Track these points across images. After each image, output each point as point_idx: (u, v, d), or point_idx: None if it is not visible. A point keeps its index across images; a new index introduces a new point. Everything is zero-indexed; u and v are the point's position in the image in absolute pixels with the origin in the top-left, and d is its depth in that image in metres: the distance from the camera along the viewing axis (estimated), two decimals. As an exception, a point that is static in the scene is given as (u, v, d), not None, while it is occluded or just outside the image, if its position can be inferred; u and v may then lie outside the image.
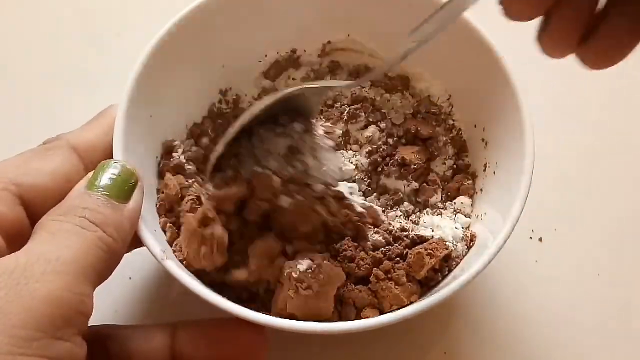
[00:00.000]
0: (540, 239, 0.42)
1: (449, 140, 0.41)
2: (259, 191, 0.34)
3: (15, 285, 0.24)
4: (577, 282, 0.41)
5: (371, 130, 0.41)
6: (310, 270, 0.32)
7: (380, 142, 0.41)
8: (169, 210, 0.36)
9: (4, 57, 0.49)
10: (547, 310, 0.40)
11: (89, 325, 0.27)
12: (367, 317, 0.32)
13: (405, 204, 0.39)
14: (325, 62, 0.44)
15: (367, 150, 0.40)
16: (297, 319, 0.31)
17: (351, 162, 0.40)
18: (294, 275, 0.32)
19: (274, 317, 0.31)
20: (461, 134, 0.41)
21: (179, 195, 0.35)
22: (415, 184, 0.39)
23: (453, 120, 0.41)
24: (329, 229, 0.35)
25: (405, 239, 0.36)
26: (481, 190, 0.38)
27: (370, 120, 0.41)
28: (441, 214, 0.38)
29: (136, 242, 0.31)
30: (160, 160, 0.38)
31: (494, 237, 0.32)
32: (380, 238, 0.35)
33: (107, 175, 0.30)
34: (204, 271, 0.33)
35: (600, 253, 0.42)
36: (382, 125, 0.41)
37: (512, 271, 0.41)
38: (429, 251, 0.34)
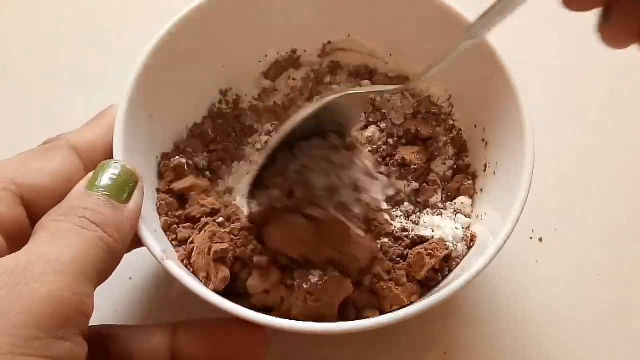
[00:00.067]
0: (540, 239, 0.42)
1: (449, 140, 0.41)
2: (332, 240, 0.33)
3: (15, 285, 0.24)
4: (577, 282, 0.41)
5: (371, 130, 0.41)
6: (320, 282, 0.32)
7: (380, 142, 0.41)
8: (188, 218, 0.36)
9: (4, 57, 0.49)
10: (547, 310, 0.40)
11: (89, 325, 0.27)
12: (367, 317, 0.32)
13: (405, 204, 0.39)
14: (325, 62, 0.44)
15: (367, 150, 0.40)
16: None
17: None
18: (305, 285, 0.32)
19: (274, 317, 0.31)
20: (461, 134, 0.41)
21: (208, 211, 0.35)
22: (415, 184, 0.39)
23: (453, 120, 0.41)
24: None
25: (405, 239, 0.36)
26: (481, 190, 0.38)
27: (370, 120, 0.41)
28: (441, 214, 0.38)
29: (136, 242, 0.31)
30: (160, 161, 0.38)
31: (494, 237, 0.32)
32: (381, 239, 0.35)
33: (107, 175, 0.30)
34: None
35: (600, 253, 0.42)
36: (382, 125, 0.41)
37: (512, 271, 0.41)
38: (429, 251, 0.34)
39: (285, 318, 0.32)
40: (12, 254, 0.26)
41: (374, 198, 0.33)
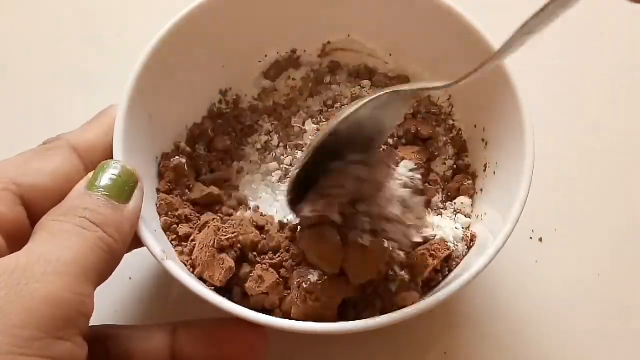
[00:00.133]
0: (540, 239, 0.42)
1: (449, 140, 0.41)
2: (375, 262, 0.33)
3: (15, 286, 0.24)
4: (577, 282, 0.41)
5: (371, 130, 0.41)
6: (320, 282, 0.32)
7: (380, 143, 0.41)
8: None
9: (4, 57, 0.49)
10: (547, 310, 0.40)
11: (89, 325, 0.27)
12: (367, 317, 0.32)
13: (406, 204, 0.39)
14: (325, 62, 0.44)
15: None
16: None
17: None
18: (304, 285, 0.32)
19: (274, 317, 0.31)
20: (461, 134, 0.41)
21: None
22: (415, 184, 0.39)
23: (453, 120, 0.41)
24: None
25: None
26: (481, 190, 0.38)
27: (370, 120, 0.41)
28: (441, 214, 0.38)
29: (136, 242, 0.31)
30: (160, 161, 0.38)
31: (494, 237, 0.32)
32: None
33: (107, 175, 0.30)
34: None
35: (600, 253, 0.42)
36: (382, 125, 0.41)
37: (512, 271, 0.41)
38: (431, 252, 0.34)
39: (285, 318, 0.32)
40: (13, 254, 0.26)
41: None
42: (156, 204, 0.36)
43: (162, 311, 0.39)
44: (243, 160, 0.41)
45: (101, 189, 0.29)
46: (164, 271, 0.31)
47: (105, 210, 0.28)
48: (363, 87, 0.43)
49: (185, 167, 0.37)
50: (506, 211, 0.32)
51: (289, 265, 0.33)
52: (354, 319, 0.31)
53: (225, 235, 0.33)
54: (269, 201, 0.39)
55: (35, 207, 0.30)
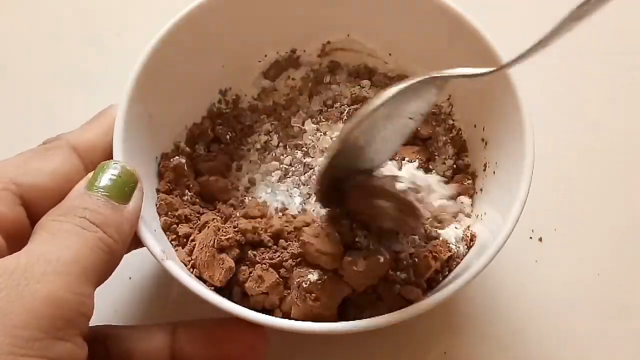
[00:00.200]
0: (540, 239, 0.42)
1: (449, 140, 0.41)
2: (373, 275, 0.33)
3: (16, 286, 0.24)
4: (577, 282, 0.41)
5: (371, 130, 0.41)
6: (320, 282, 0.32)
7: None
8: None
9: (4, 57, 0.49)
10: (547, 310, 0.40)
11: (89, 325, 0.27)
12: (367, 317, 0.32)
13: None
14: (325, 62, 0.44)
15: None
16: None
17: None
18: (304, 285, 0.32)
19: (274, 317, 0.31)
20: (461, 134, 0.41)
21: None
22: (415, 184, 0.39)
23: (453, 120, 0.41)
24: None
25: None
26: (481, 190, 0.38)
27: (370, 120, 0.41)
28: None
29: (136, 243, 0.31)
30: (160, 161, 0.38)
31: (494, 237, 0.32)
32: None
33: (107, 176, 0.30)
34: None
35: (600, 253, 0.42)
36: (382, 125, 0.41)
37: (512, 271, 0.41)
38: (433, 254, 0.34)
39: (285, 318, 0.32)
40: (13, 254, 0.26)
41: None
42: (156, 204, 0.36)
43: (162, 311, 0.39)
44: (243, 160, 0.41)
45: (101, 190, 0.29)
46: (164, 271, 0.31)
47: (106, 211, 0.28)
48: (363, 87, 0.43)
49: (185, 167, 0.37)
50: (506, 211, 0.32)
51: (289, 265, 0.33)
52: (353, 319, 0.31)
53: (225, 236, 0.33)
54: (269, 201, 0.39)
55: (35, 207, 0.30)
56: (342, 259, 0.32)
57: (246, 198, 0.39)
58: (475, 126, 0.40)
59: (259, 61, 0.43)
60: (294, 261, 0.33)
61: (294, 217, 0.36)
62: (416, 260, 0.34)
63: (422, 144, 0.41)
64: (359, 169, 0.34)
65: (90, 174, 0.30)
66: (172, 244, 0.35)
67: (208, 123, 0.41)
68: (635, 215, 0.43)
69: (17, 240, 0.29)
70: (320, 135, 0.40)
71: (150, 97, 0.36)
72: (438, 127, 0.41)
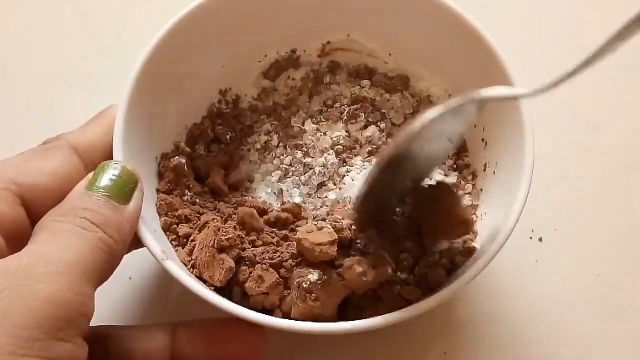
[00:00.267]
0: (540, 239, 0.42)
1: (448, 140, 0.41)
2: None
3: (17, 286, 0.24)
4: (577, 282, 0.41)
5: (371, 130, 0.41)
6: (320, 282, 0.32)
7: (380, 143, 0.41)
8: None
9: (4, 57, 0.49)
10: (547, 310, 0.40)
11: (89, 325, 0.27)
12: (367, 317, 0.32)
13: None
14: (325, 62, 0.44)
15: (367, 150, 0.40)
16: None
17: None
18: (304, 285, 0.32)
19: (274, 317, 0.31)
20: (461, 133, 0.41)
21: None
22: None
23: (453, 120, 0.41)
24: None
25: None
26: (481, 190, 0.38)
27: (370, 120, 0.41)
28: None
29: (136, 243, 0.31)
30: (160, 161, 0.38)
31: (494, 237, 0.32)
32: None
33: (108, 176, 0.30)
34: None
35: (600, 253, 0.42)
36: (382, 125, 0.41)
37: (512, 271, 0.41)
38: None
39: (285, 318, 0.32)
40: (14, 254, 0.26)
41: None
42: (156, 204, 0.36)
43: (162, 311, 0.39)
44: (243, 160, 0.41)
45: (101, 190, 0.29)
46: (164, 271, 0.31)
47: (106, 211, 0.28)
48: (363, 87, 0.43)
49: (185, 168, 0.37)
50: (506, 211, 0.32)
51: (289, 265, 0.33)
52: (353, 319, 0.31)
53: (225, 236, 0.33)
54: (269, 201, 0.39)
55: (35, 207, 0.30)
56: (337, 248, 0.32)
57: (246, 198, 0.39)
58: (475, 126, 0.40)
59: (259, 61, 0.43)
60: (294, 261, 0.33)
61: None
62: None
63: (422, 143, 0.41)
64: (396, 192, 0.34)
65: (91, 174, 0.30)
66: (172, 244, 0.35)
67: (208, 123, 0.41)
68: (635, 215, 0.43)
69: (17, 240, 0.29)
70: (320, 135, 0.41)
71: (150, 97, 0.36)
72: (438, 127, 0.41)
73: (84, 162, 0.32)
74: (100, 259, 0.27)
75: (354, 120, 0.41)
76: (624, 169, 0.45)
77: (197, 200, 0.37)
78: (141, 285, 0.40)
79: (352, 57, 0.44)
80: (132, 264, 0.39)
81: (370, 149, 0.40)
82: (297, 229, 0.35)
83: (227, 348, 0.31)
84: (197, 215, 0.36)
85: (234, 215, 0.36)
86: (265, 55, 0.43)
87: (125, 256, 0.30)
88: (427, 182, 0.35)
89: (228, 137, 0.41)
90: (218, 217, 0.36)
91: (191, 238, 0.35)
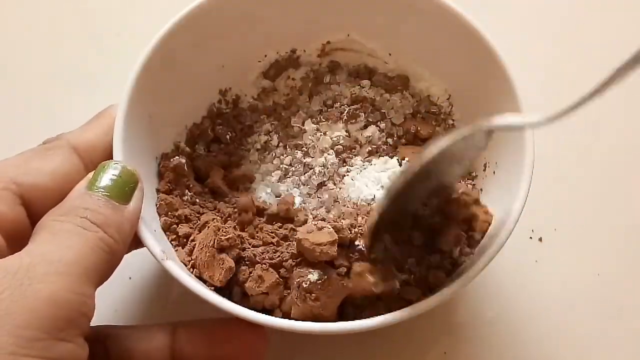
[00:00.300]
0: (540, 239, 0.42)
1: (449, 140, 0.41)
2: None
3: (19, 286, 0.24)
4: (577, 282, 0.41)
5: (371, 130, 0.41)
6: (320, 282, 0.32)
7: (380, 142, 0.41)
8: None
9: (4, 57, 0.49)
10: (547, 310, 0.40)
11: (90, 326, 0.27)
12: (368, 317, 0.32)
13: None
14: (325, 62, 0.44)
15: (367, 150, 0.40)
16: None
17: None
18: (304, 285, 0.32)
19: (274, 317, 0.31)
20: (461, 133, 0.41)
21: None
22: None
23: (453, 120, 0.41)
24: None
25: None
26: (481, 190, 0.38)
27: (370, 120, 0.41)
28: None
29: (136, 243, 0.31)
30: (160, 161, 0.38)
31: (494, 237, 0.32)
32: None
33: (108, 176, 0.30)
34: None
35: (600, 253, 0.42)
36: (382, 125, 0.41)
37: (512, 271, 0.41)
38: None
39: (285, 318, 0.32)
40: (15, 254, 0.26)
41: None
42: (156, 204, 0.36)
43: (162, 311, 0.39)
44: (243, 160, 0.41)
45: (102, 190, 0.29)
46: (164, 271, 0.31)
47: (106, 211, 0.28)
48: (363, 87, 0.43)
49: (185, 168, 0.37)
50: (506, 211, 0.32)
51: (289, 265, 0.33)
52: (353, 319, 0.31)
53: (225, 236, 0.33)
54: (269, 201, 0.39)
55: (35, 207, 0.30)
56: (338, 249, 0.33)
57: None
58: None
59: (259, 61, 0.43)
60: (294, 261, 0.33)
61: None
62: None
63: (423, 143, 0.41)
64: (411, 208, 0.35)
65: (91, 174, 0.30)
66: (172, 244, 0.35)
67: (208, 123, 0.41)
68: (635, 215, 0.43)
69: (17, 240, 0.29)
70: (320, 135, 0.40)
71: (150, 97, 0.36)
72: (438, 127, 0.41)
73: (84, 162, 0.32)
74: (101, 259, 0.27)
75: (354, 120, 0.41)
76: (624, 169, 0.45)
77: (197, 200, 0.37)
78: (141, 285, 0.40)
79: (352, 57, 0.44)
80: (132, 264, 0.39)
81: (370, 148, 0.40)
82: (297, 229, 0.35)
83: (227, 348, 0.31)
84: (197, 215, 0.36)
85: (234, 215, 0.36)
86: (265, 55, 0.43)
87: (125, 256, 0.30)
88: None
89: (228, 137, 0.41)
90: (218, 217, 0.36)
91: (191, 238, 0.35)
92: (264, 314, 0.30)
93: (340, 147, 0.40)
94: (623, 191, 0.44)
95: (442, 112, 0.42)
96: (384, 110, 0.42)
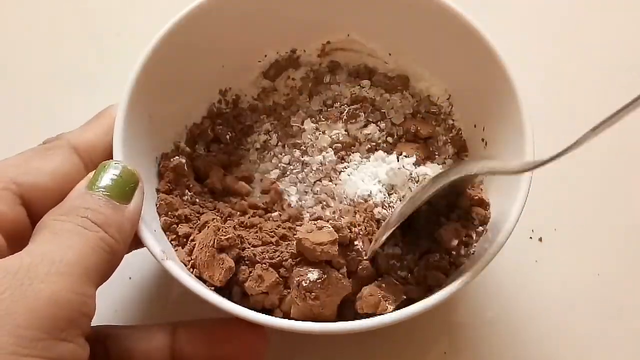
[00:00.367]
0: (540, 239, 0.42)
1: (449, 140, 0.41)
2: None
3: (19, 286, 0.24)
4: (577, 282, 0.41)
5: (371, 128, 0.41)
6: (320, 281, 0.32)
7: (380, 141, 0.40)
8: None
9: (4, 57, 0.49)
10: (547, 310, 0.40)
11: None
12: (367, 317, 0.32)
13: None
14: (325, 62, 0.44)
15: (366, 148, 0.40)
16: None
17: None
18: (304, 284, 0.32)
19: (274, 317, 0.31)
20: (461, 133, 0.41)
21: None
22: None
23: (453, 120, 0.41)
24: None
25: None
26: (481, 190, 0.38)
27: (370, 120, 0.41)
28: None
29: (136, 243, 0.31)
30: (160, 161, 0.38)
31: (494, 237, 0.32)
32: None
33: (108, 175, 0.30)
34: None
35: (600, 253, 0.42)
36: (382, 125, 0.41)
37: (512, 271, 0.41)
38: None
39: (284, 318, 0.32)
40: (16, 254, 0.26)
41: None
42: (156, 204, 0.36)
43: (162, 311, 0.39)
44: (242, 160, 0.41)
45: (102, 189, 0.29)
46: (164, 271, 0.31)
47: (107, 211, 0.28)
48: (363, 87, 0.43)
49: (185, 168, 0.37)
50: (506, 211, 0.32)
51: (288, 265, 0.33)
52: (353, 319, 0.31)
53: (225, 236, 0.33)
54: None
55: (35, 207, 0.30)
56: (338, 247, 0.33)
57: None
58: (475, 126, 0.40)
59: (259, 61, 0.43)
60: (293, 260, 0.33)
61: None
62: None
63: (423, 142, 0.41)
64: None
65: (91, 174, 0.30)
66: (172, 244, 0.35)
67: (208, 123, 0.41)
68: (635, 215, 0.43)
69: (18, 240, 0.29)
70: (319, 134, 0.40)
71: (150, 97, 0.36)
72: (438, 126, 0.41)
73: (84, 162, 0.32)
74: (102, 259, 0.27)
75: (353, 120, 0.41)
76: (624, 169, 0.45)
77: (197, 200, 0.37)
78: (141, 285, 0.40)
79: (352, 57, 0.44)
80: (132, 264, 0.39)
81: (370, 146, 0.40)
82: (297, 228, 0.35)
83: (227, 348, 0.31)
84: (197, 215, 0.36)
85: (233, 215, 0.36)
86: (265, 55, 0.43)
87: (126, 256, 0.30)
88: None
89: (228, 137, 0.41)
90: (218, 217, 0.36)
91: (191, 238, 0.35)
92: (264, 314, 0.30)
93: (339, 145, 0.40)
94: (623, 191, 0.44)
95: (442, 112, 0.42)
96: (384, 110, 0.42)
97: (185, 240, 0.35)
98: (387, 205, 0.36)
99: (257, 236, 0.35)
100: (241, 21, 0.40)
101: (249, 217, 0.36)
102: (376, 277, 0.34)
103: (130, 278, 0.40)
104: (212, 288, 0.33)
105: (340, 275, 0.33)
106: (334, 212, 0.37)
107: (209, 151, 0.41)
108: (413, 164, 0.38)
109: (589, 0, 0.51)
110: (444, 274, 0.34)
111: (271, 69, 0.43)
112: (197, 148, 0.40)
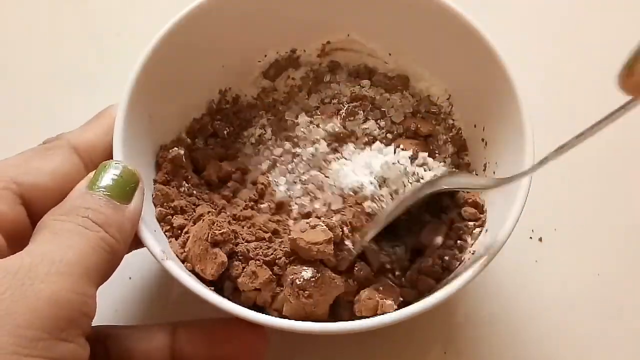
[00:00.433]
0: (540, 239, 0.42)
1: (449, 139, 0.41)
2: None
3: (20, 286, 0.24)
4: (577, 282, 0.41)
5: (369, 124, 0.41)
6: (313, 279, 0.32)
7: (379, 137, 0.40)
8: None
9: (4, 57, 0.49)
10: (547, 310, 0.40)
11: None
12: (367, 317, 0.32)
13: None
14: (325, 62, 0.44)
15: (363, 141, 0.40)
16: None
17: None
18: (298, 282, 0.32)
19: (274, 317, 0.31)
20: (461, 133, 0.41)
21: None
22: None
23: (453, 120, 0.41)
24: None
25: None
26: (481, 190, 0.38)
27: (369, 118, 0.41)
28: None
29: (136, 243, 0.31)
30: (159, 152, 0.38)
31: (494, 237, 0.32)
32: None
33: (109, 175, 0.30)
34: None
35: (600, 253, 0.42)
36: (382, 123, 0.41)
37: (512, 271, 0.41)
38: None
39: (276, 315, 0.32)
40: (16, 254, 0.26)
41: None
42: (152, 195, 0.36)
43: (162, 311, 0.39)
44: (238, 153, 0.41)
45: (102, 189, 0.29)
46: (164, 271, 0.31)
47: (107, 211, 0.28)
48: (363, 87, 0.43)
49: (184, 159, 0.37)
50: (506, 211, 0.32)
51: (282, 263, 0.33)
52: (349, 319, 0.31)
53: (219, 230, 0.33)
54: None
55: (35, 207, 0.30)
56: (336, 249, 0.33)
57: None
58: (475, 126, 0.40)
59: (259, 61, 0.43)
60: (287, 259, 0.33)
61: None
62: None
63: (423, 139, 0.41)
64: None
65: (92, 174, 0.30)
66: (165, 234, 0.34)
67: (208, 119, 0.41)
68: (635, 215, 0.43)
69: (18, 240, 0.29)
70: (313, 127, 0.40)
71: (150, 97, 0.36)
72: (438, 125, 0.41)
73: (84, 161, 0.32)
74: (102, 259, 0.27)
75: (352, 118, 0.41)
76: (624, 169, 0.45)
77: (194, 192, 0.37)
78: (141, 285, 0.40)
79: (352, 57, 0.44)
80: (132, 264, 0.39)
81: (367, 140, 0.40)
82: (290, 226, 0.35)
83: (227, 348, 0.31)
84: (193, 207, 0.36)
85: (226, 207, 0.36)
86: (265, 55, 0.43)
87: (126, 256, 0.30)
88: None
89: (225, 132, 0.41)
90: (213, 210, 0.36)
91: (185, 230, 0.34)
92: (264, 314, 0.30)
93: (333, 137, 0.40)
94: (623, 191, 0.44)
95: (442, 112, 0.42)
96: (383, 109, 0.42)
97: (179, 232, 0.35)
98: (377, 198, 0.36)
99: (251, 231, 0.35)
100: (241, 21, 0.40)
101: (241, 210, 0.36)
102: (372, 276, 0.34)
103: (130, 278, 0.40)
104: (212, 288, 0.33)
105: (333, 274, 0.33)
106: (323, 204, 0.37)
107: (207, 145, 0.41)
108: (409, 157, 0.37)
109: (589, 0, 0.51)
110: (435, 280, 0.34)
111: (271, 68, 0.43)
112: (197, 142, 0.40)
